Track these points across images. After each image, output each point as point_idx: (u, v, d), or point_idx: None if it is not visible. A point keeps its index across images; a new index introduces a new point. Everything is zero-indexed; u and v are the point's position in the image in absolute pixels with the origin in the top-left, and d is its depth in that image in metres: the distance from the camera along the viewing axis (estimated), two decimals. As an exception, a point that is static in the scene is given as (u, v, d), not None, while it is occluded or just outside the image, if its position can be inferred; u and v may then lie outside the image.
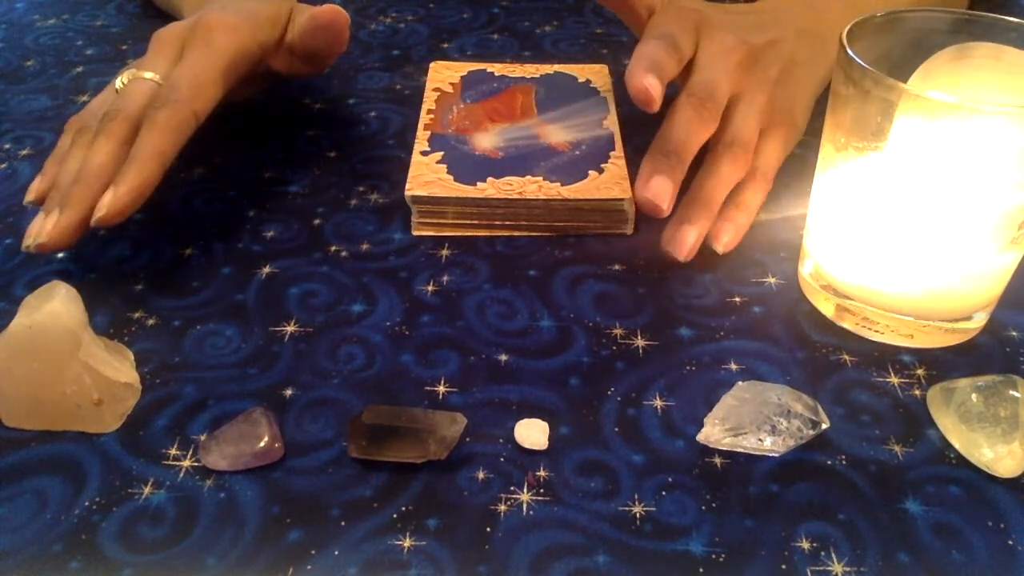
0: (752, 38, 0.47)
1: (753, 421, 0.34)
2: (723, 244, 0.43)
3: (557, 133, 0.49)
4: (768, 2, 0.52)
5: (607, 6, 0.50)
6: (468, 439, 0.34)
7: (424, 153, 0.47)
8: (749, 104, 0.45)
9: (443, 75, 0.56)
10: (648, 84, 0.42)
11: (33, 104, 0.58)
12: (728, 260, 0.44)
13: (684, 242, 0.42)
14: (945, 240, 0.35)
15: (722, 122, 0.45)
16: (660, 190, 0.41)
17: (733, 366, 0.38)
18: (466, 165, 0.46)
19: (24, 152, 0.52)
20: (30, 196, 0.42)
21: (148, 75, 0.44)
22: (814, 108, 0.52)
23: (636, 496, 0.32)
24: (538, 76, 0.55)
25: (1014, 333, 0.40)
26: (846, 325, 0.40)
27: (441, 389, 0.37)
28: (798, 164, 0.51)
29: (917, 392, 0.37)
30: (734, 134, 0.44)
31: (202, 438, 0.34)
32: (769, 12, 0.51)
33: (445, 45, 0.65)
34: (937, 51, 0.36)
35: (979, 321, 0.39)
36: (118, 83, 0.44)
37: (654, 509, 0.32)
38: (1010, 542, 0.31)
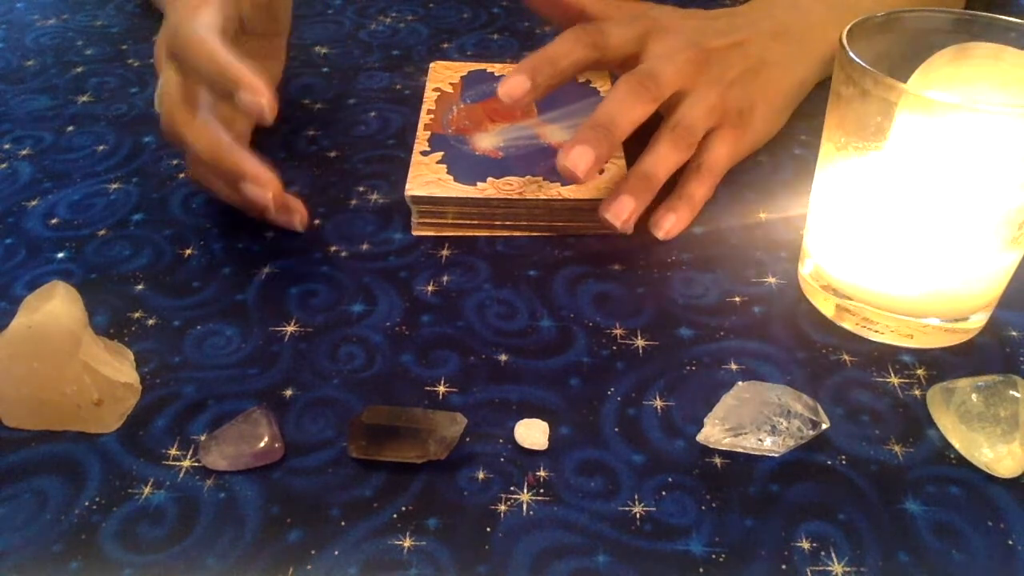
0: (709, 42, 0.47)
1: (753, 421, 0.34)
2: (664, 231, 0.45)
3: (557, 133, 0.49)
4: (749, 5, 0.52)
5: (559, 21, 0.49)
6: (468, 439, 0.34)
7: (424, 153, 0.47)
8: (698, 99, 0.45)
9: (443, 75, 0.56)
10: (513, 83, 0.42)
11: (33, 104, 0.58)
12: (728, 260, 0.44)
13: (621, 211, 0.42)
14: (945, 240, 0.35)
15: (668, 111, 0.45)
16: (578, 158, 0.40)
17: (733, 366, 0.38)
18: (466, 165, 0.46)
19: (24, 152, 0.52)
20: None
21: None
22: (809, 108, 0.52)
23: (636, 496, 0.32)
24: None
25: (1014, 333, 0.40)
26: (846, 325, 0.40)
27: (441, 389, 0.37)
28: (798, 164, 0.51)
29: (917, 392, 0.37)
30: (678, 119, 0.45)
31: (202, 438, 0.34)
32: (744, 14, 0.51)
33: (445, 45, 0.65)
34: (937, 51, 0.36)
35: (979, 321, 0.39)
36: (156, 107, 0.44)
37: (654, 509, 0.32)
38: (1010, 542, 0.31)
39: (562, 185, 0.45)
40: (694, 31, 0.48)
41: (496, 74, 0.56)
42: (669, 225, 0.45)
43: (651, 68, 0.44)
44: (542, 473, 0.33)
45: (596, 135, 0.41)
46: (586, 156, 0.40)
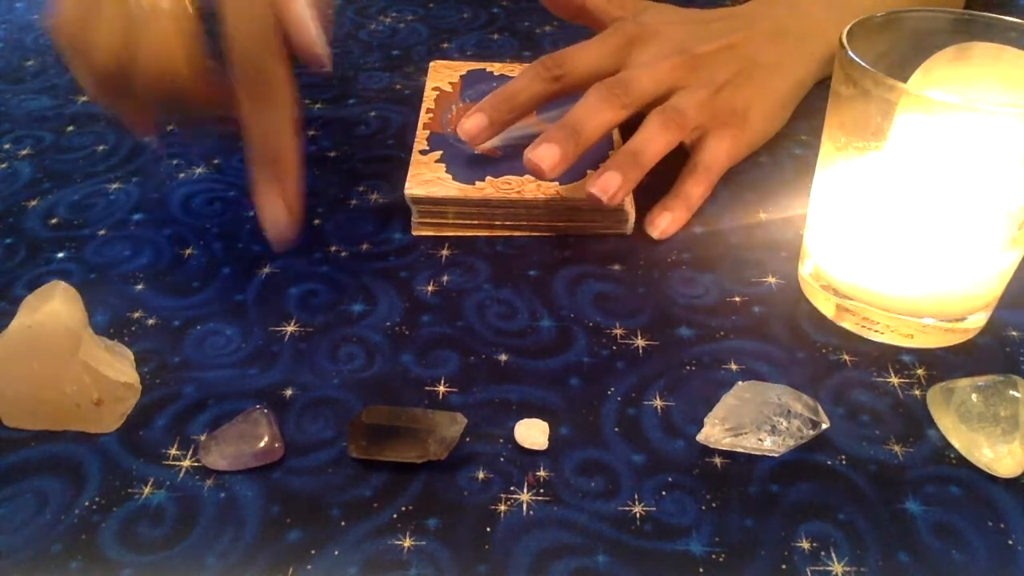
0: (698, 47, 0.47)
1: (753, 421, 0.34)
2: (659, 230, 0.45)
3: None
4: (748, 5, 0.52)
5: (564, 17, 0.51)
6: (468, 439, 0.34)
7: (423, 152, 0.47)
8: (688, 93, 0.45)
9: (443, 75, 0.56)
10: (471, 122, 0.44)
11: (33, 104, 0.58)
12: (728, 260, 0.44)
13: (608, 185, 0.42)
14: (945, 240, 0.35)
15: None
16: (543, 154, 0.41)
17: (733, 366, 0.38)
18: (464, 163, 0.46)
19: (24, 152, 0.52)
20: None
21: None
22: (809, 108, 0.52)
23: (636, 496, 0.32)
24: None
25: (1014, 333, 0.40)
26: (846, 325, 0.40)
27: (441, 389, 0.37)
28: (798, 164, 0.51)
29: (917, 392, 0.37)
30: (667, 105, 0.45)
31: (202, 438, 0.34)
32: (740, 15, 0.51)
33: (445, 45, 0.65)
34: (937, 51, 0.36)
35: (979, 321, 0.39)
36: None
37: (654, 509, 0.32)
38: (1010, 542, 0.31)
39: (561, 184, 0.45)
40: (685, 36, 0.48)
41: (496, 73, 0.56)
42: (664, 224, 0.45)
43: (625, 76, 0.44)
44: (542, 473, 0.33)
45: (563, 134, 0.42)
46: (551, 153, 0.41)
